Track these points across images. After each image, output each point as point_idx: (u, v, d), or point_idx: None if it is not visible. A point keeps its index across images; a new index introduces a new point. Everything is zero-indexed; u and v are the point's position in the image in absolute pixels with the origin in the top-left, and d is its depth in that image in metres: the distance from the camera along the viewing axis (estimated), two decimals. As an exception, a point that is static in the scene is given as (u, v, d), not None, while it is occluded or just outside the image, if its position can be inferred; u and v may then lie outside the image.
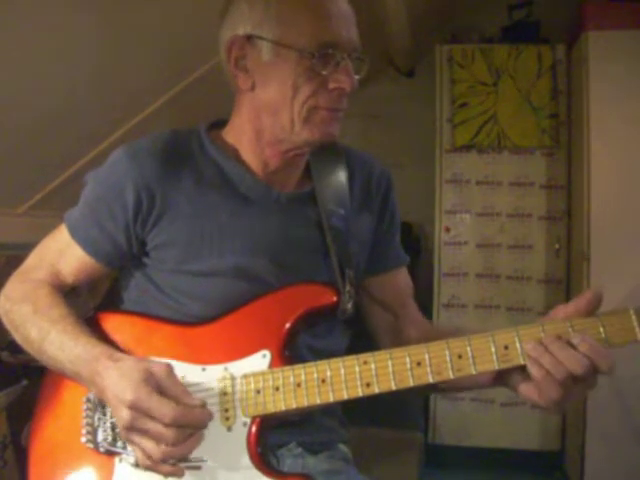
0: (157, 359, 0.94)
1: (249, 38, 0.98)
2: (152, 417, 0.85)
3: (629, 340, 0.85)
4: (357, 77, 1.00)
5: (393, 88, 3.56)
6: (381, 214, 1.17)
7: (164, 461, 0.87)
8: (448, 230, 3.22)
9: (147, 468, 0.90)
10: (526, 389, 0.88)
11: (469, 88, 3.14)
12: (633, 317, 0.84)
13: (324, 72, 0.96)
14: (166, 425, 0.85)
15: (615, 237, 2.71)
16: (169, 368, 0.89)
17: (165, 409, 0.84)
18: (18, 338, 1.03)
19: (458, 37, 3.27)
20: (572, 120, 3.10)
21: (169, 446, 0.86)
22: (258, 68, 0.99)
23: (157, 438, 0.85)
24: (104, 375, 0.89)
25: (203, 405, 0.90)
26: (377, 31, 2.77)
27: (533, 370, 0.85)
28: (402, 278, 1.21)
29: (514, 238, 3.18)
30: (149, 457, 0.87)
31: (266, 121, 1.02)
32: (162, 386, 0.87)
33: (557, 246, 3.14)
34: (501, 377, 0.93)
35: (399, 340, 1.14)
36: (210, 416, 0.90)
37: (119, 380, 0.87)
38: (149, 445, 0.86)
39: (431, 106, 3.23)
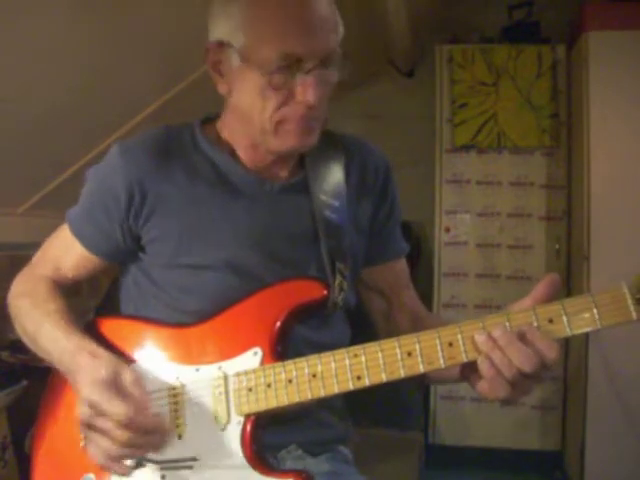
0: (150, 363, 0.98)
1: (221, 45, 0.97)
2: (105, 416, 0.86)
3: (623, 321, 0.81)
4: (336, 80, 0.98)
5: (393, 88, 3.55)
6: (379, 203, 1.15)
7: (119, 460, 0.90)
8: (448, 230, 3.23)
9: (103, 465, 0.92)
10: (479, 384, 0.87)
11: (469, 88, 3.14)
12: (627, 295, 0.81)
13: (287, 85, 0.94)
14: (119, 426, 0.86)
15: (615, 237, 2.71)
16: (137, 378, 0.91)
17: (117, 409, 0.86)
18: (17, 330, 1.07)
19: (458, 37, 3.27)
20: (572, 120, 3.10)
21: (124, 447, 0.88)
22: (231, 75, 0.99)
23: (111, 437, 0.87)
24: (80, 370, 0.91)
25: (157, 415, 0.92)
26: (377, 31, 2.77)
27: (483, 370, 0.83)
28: (399, 267, 1.19)
29: (514, 238, 3.18)
30: (103, 454, 0.90)
31: (242, 126, 1.02)
32: (124, 390, 0.89)
33: (557, 246, 3.14)
34: (464, 372, 0.91)
35: (391, 328, 1.14)
36: (163, 427, 0.92)
37: (86, 376, 0.89)
38: (104, 443, 0.88)
39: (431, 106, 3.24)
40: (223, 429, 0.93)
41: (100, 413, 0.87)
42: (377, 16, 2.57)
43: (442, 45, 3.21)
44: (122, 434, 0.86)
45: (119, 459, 0.90)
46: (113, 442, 0.87)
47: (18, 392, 1.76)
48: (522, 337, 0.81)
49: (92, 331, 1.03)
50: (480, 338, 0.83)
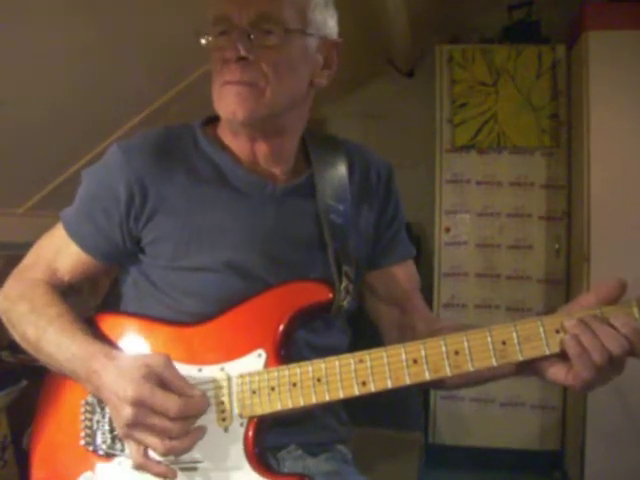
0: None
1: None
2: (157, 412, 0.85)
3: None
4: (267, 44, 0.96)
5: (393, 88, 3.55)
6: (383, 206, 1.15)
7: (167, 455, 0.88)
8: (448, 230, 3.22)
9: (140, 467, 0.89)
10: (552, 369, 0.87)
11: (469, 88, 3.14)
12: (635, 310, 0.82)
13: (216, 47, 0.98)
14: (172, 419, 0.85)
15: (615, 237, 2.71)
16: (167, 359, 0.89)
17: (170, 403, 0.85)
18: (16, 336, 1.04)
19: (458, 37, 3.27)
20: (572, 120, 3.09)
21: (172, 440, 0.86)
22: None
23: (162, 432, 0.85)
24: (101, 373, 0.89)
25: (203, 394, 0.90)
26: (377, 31, 2.77)
27: (570, 347, 0.82)
28: (408, 271, 1.18)
29: (514, 238, 3.18)
30: (145, 455, 0.87)
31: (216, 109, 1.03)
32: (163, 379, 0.87)
33: (557, 246, 3.14)
34: (521, 365, 0.90)
35: (407, 335, 1.11)
36: (209, 403, 0.91)
37: (118, 378, 0.87)
38: (153, 441, 0.86)
39: (431, 106, 3.23)
40: (226, 431, 0.92)
41: (151, 409, 0.85)
42: (377, 16, 2.57)
43: (442, 45, 3.21)
44: (173, 426, 0.85)
45: (170, 453, 0.87)
46: (162, 437, 0.85)
47: (18, 392, 1.76)
48: (610, 324, 0.82)
49: (92, 327, 1.01)
50: (570, 322, 0.83)
